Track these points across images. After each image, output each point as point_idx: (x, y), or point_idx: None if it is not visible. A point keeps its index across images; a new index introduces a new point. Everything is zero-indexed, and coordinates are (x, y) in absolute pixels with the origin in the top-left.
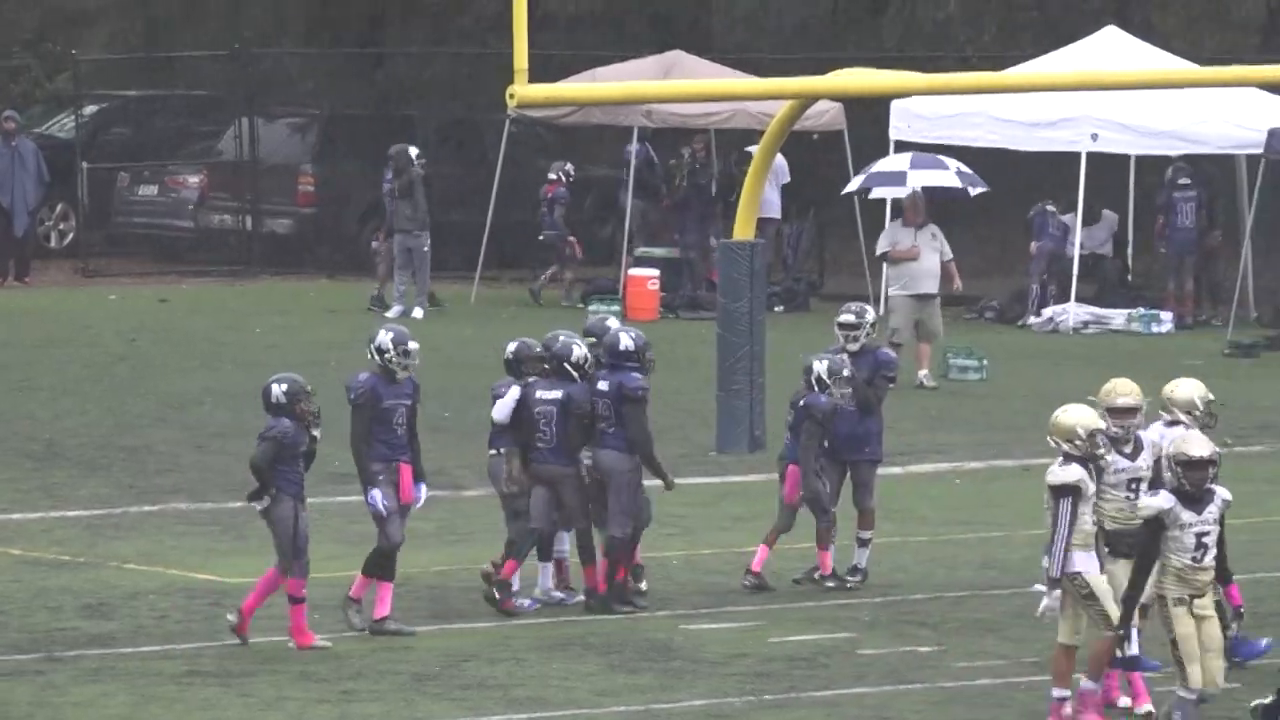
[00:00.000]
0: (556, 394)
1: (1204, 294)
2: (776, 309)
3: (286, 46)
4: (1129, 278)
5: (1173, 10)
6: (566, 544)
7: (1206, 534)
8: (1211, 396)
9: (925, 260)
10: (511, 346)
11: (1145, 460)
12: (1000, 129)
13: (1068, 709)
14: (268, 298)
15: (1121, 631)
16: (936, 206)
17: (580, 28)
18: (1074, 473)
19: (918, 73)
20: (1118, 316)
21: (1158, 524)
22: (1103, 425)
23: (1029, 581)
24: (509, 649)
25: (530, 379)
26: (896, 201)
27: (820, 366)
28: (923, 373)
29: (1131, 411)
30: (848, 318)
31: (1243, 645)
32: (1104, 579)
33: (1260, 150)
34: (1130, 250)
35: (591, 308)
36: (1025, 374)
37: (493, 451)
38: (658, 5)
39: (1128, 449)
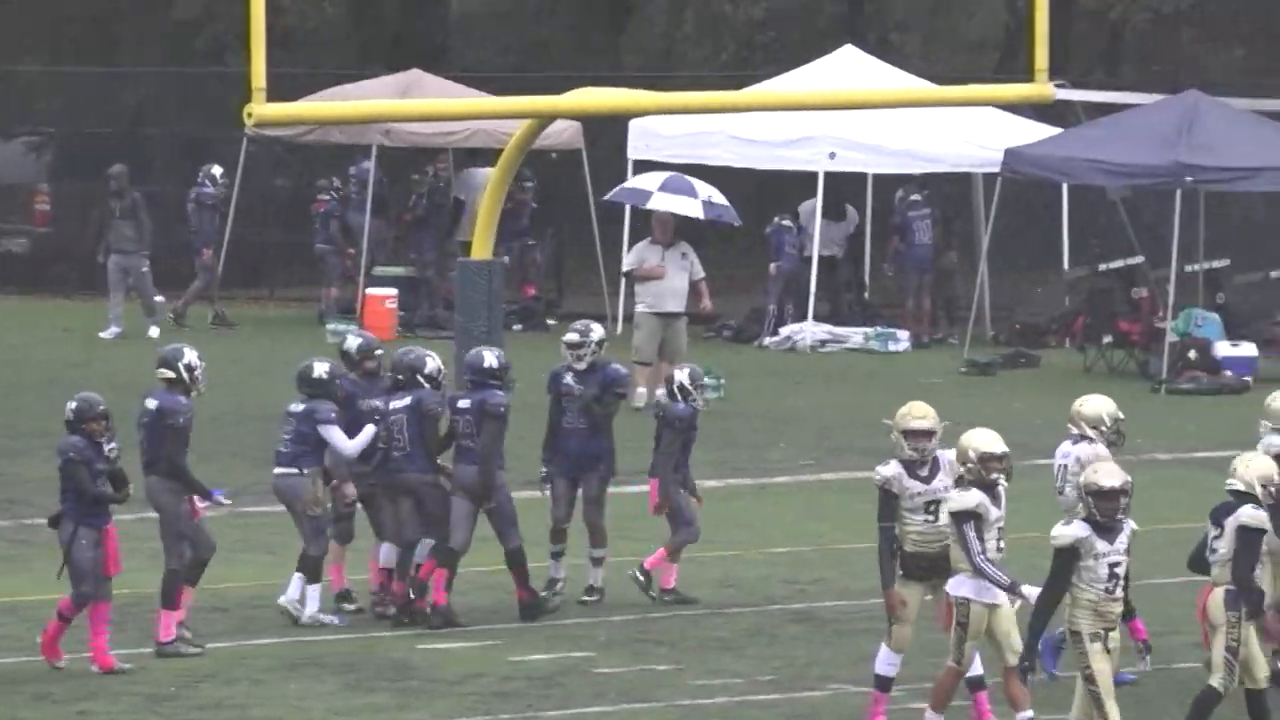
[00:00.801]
0: (405, 400)
1: (940, 312)
2: (514, 328)
3: (24, 65)
4: (865, 295)
5: (910, 30)
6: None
7: (1118, 564)
8: (1121, 415)
9: (673, 279)
10: (323, 367)
11: (942, 482)
12: (739, 148)
13: None
14: (4, 317)
15: (963, 667)
16: (684, 225)
17: (320, 46)
18: (975, 497)
19: (655, 92)
20: (855, 335)
21: (1071, 554)
22: (1003, 450)
23: (767, 600)
24: (246, 669)
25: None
26: (635, 221)
27: (681, 375)
28: (662, 392)
29: (927, 434)
30: (572, 336)
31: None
32: (986, 616)
33: (997, 169)
34: (868, 268)
35: (330, 326)
36: (763, 393)
37: (293, 471)
38: (397, 24)
39: (924, 471)
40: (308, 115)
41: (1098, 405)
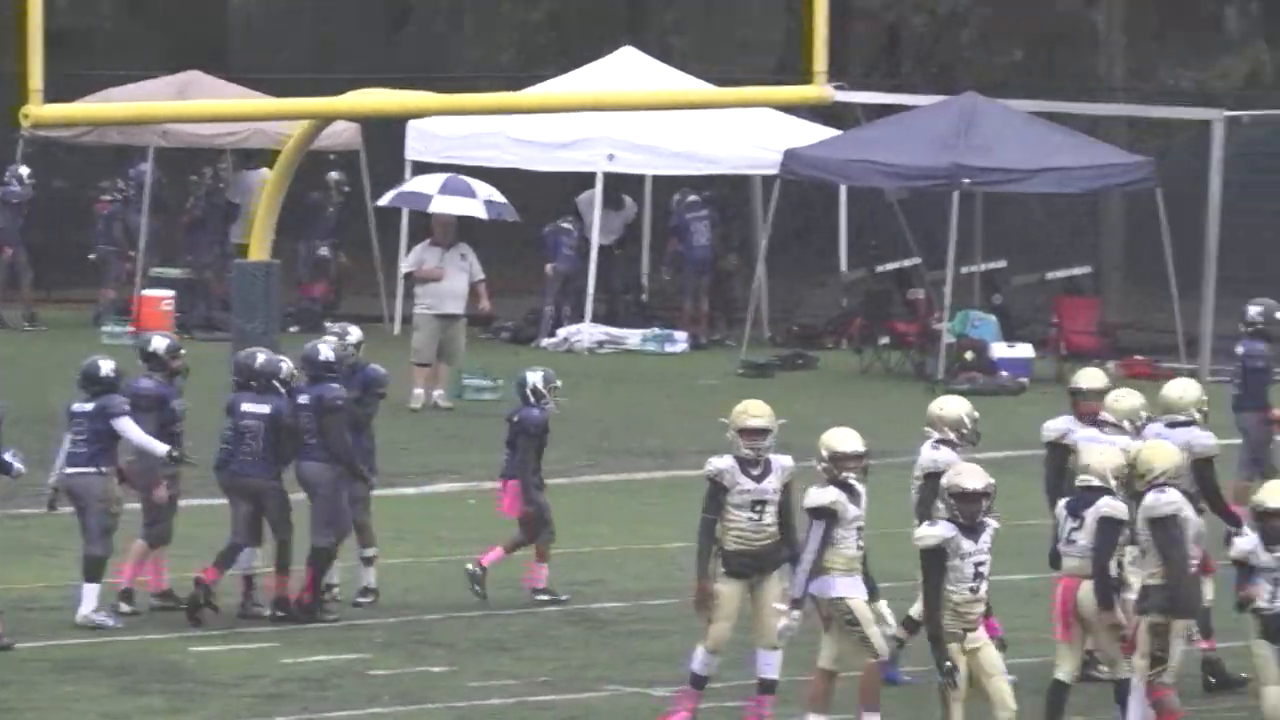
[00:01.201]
0: (265, 408)
1: (718, 314)
2: (291, 329)
3: None
4: (643, 297)
5: (690, 32)
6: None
7: (983, 564)
8: (977, 414)
9: (452, 281)
10: (109, 365)
11: (772, 483)
12: (517, 149)
13: None
14: None
15: (884, 659)
16: (463, 226)
17: (99, 48)
18: (830, 494)
19: (434, 93)
20: (632, 336)
21: (940, 554)
22: (856, 449)
23: (542, 602)
24: (21, 671)
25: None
26: (413, 223)
27: (534, 378)
28: (438, 393)
29: (762, 433)
30: (330, 339)
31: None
32: (867, 605)
33: (776, 171)
34: (645, 269)
35: (106, 328)
36: None
37: (90, 470)
38: (175, 25)
39: (756, 470)
40: (84, 116)
41: (958, 408)
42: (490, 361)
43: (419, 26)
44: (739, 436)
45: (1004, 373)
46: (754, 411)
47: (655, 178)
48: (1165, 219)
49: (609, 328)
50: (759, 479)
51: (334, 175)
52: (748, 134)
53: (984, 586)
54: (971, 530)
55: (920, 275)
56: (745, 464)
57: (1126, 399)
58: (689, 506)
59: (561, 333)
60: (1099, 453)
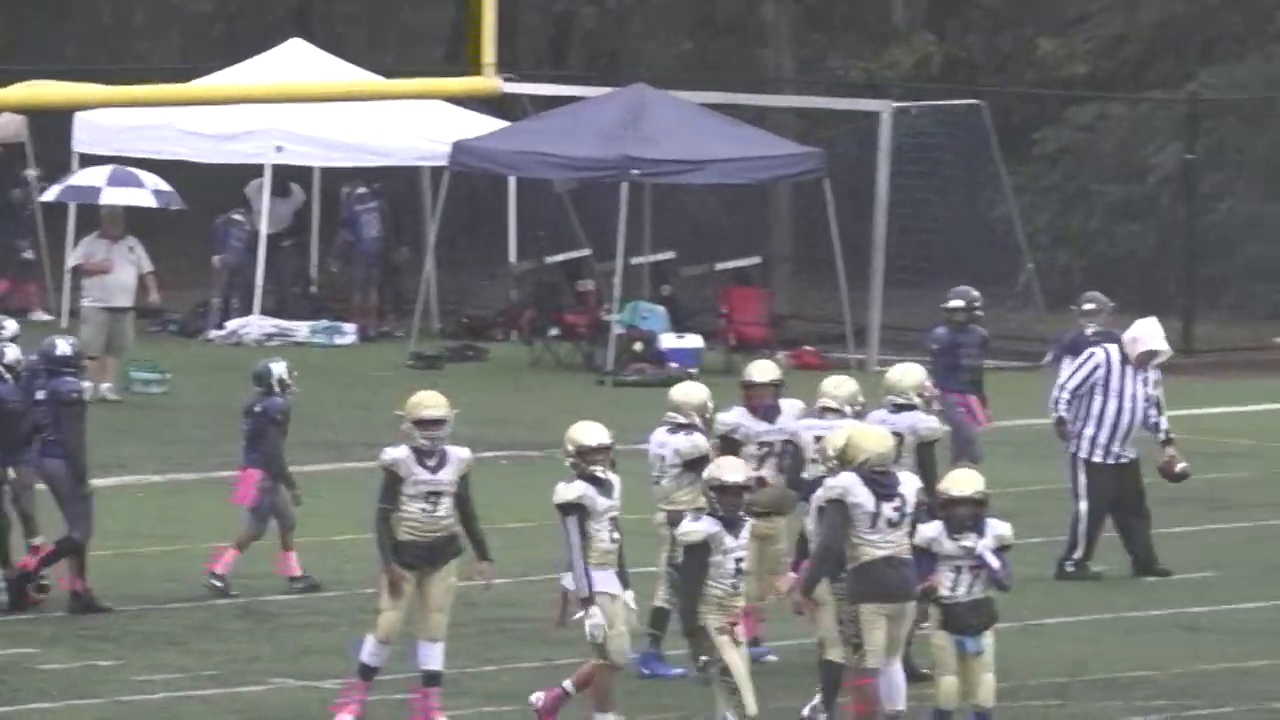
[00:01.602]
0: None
1: (388, 306)
2: None
3: None
4: (312, 289)
5: (357, 23)
6: None
7: (743, 559)
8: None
9: (120, 274)
10: None
11: (447, 474)
12: (186, 141)
13: None
14: None
15: (619, 664)
16: (130, 217)
17: None
18: (576, 489)
19: (102, 85)
20: (301, 328)
21: (704, 549)
22: (602, 441)
23: (211, 595)
24: None
25: None
26: (80, 217)
27: (279, 369)
28: (106, 386)
29: (438, 424)
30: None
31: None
32: (616, 604)
33: (445, 163)
34: (315, 261)
35: None
36: (209, 387)
37: None
38: None
39: (431, 461)
40: None
41: (701, 393)
42: (158, 354)
43: (87, 18)
44: (415, 428)
45: (673, 364)
46: (429, 403)
47: (324, 170)
48: (833, 210)
49: (278, 320)
50: (434, 470)
51: (31, 172)
52: (417, 126)
53: (743, 581)
54: (732, 525)
55: (589, 266)
56: (421, 455)
57: (845, 385)
58: (359, 499)
59: (230, 325)
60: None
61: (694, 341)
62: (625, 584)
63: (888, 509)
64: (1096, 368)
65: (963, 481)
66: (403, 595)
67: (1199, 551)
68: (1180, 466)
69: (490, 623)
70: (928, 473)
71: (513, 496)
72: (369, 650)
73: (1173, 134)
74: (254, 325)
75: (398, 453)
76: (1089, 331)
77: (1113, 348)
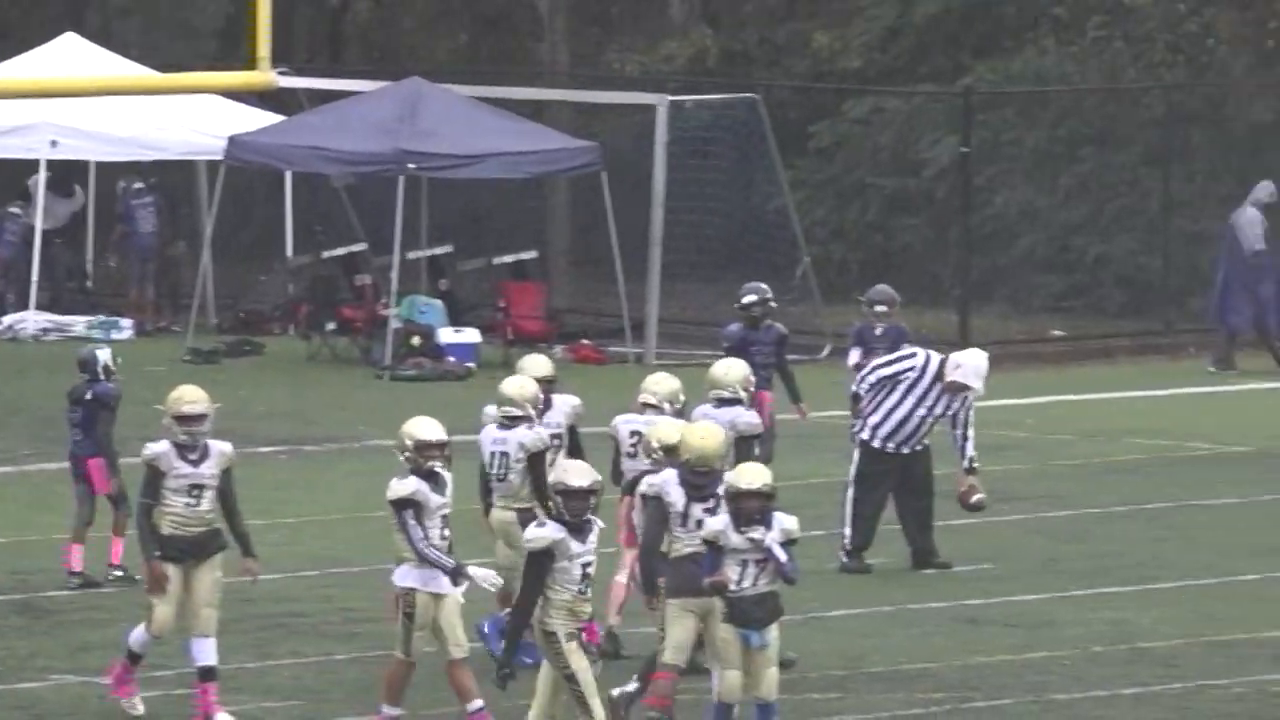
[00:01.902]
0: None
1: (165, 301)
2: None
3: None
4: (88, 284)
5: (131, 17)
6: None
7: (590, 564)
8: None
9: None
10: None
11: (209, 468)
12: None
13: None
14: None
15: (411, 659)
16: None
17: None
18: (410, 485)
19: None
20: (78, 323)
21: (548, 556)
22: (439, 437)
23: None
24: None
25: None
26: None
27: (104, 355)
28: None
29: (199, 419)
30: None
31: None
32: (433, 604)
33: (221, 157)
34: (90, 256)
35: None
36: None
37: None
38: None
39: (193, 455)
40: None
41: (671, 383)
42: None
43: None
44: (175, 423)
45: (451, 358)
46: (189, 398)
47: (100, 164)
48: (611, 204)
49: (53, 315)
50: (196, 464)
51: None
52: (192, 120)
53: (590, 587)
54: (579, 530)
55: (367, 261)
56: (182, 449)
57: (665, 382)
58: (133, 495)
59: (5, 320)
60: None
61: (472, 336)
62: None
63: (698, 509)
64: (911, 369)
65: (750, 475)
66: (165, 590)
67: (978, 544)
68: (976, 498)
69: (269, 618)
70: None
71: (291, 491)
72: (136, 637)
73: (948, 127)
74: (30, 320)
75: (159, 447)
76: (878, 331)
77: (935, 357)
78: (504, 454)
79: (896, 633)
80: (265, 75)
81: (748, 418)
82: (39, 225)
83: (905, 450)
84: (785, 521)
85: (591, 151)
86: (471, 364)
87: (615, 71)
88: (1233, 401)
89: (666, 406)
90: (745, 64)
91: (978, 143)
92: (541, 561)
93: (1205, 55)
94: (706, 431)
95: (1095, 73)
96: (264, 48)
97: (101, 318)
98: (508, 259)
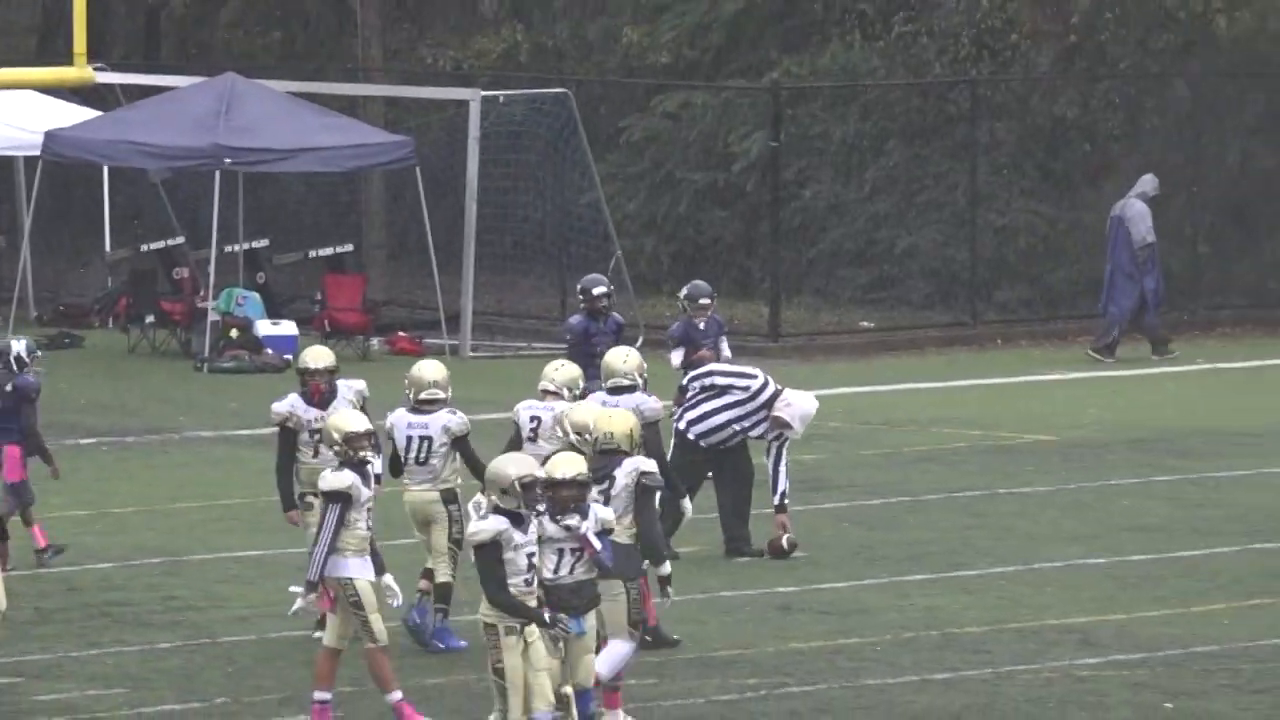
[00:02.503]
0: None
1: None
2: None
3: None
4: None
5: None
6: None
7: (534, 554)
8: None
9: None
10: None
11: None
12: None
13: (329, 714)
14: None
15: (383, 644)
16: None
17: None
18: (346, 478)
19: None
20: None
21: (495, 548)
22: (366, 427)
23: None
24: None
25: None
26: None
27: (19, 346)
28: None
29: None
30: None
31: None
32: (373, 589)
33: (38, 152)
34: None
35: None
36: None
37: None
38: None
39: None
40: None
41: (574, 371)
42: None
43: None
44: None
45: (269, 350)
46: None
47: None
48: (425, 198)
49: None
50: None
51: None
52: (9, 115)
53: (536, 577)
54: (520, 520)
55: (185, 254)
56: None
57: (564, 370)
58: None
59: None
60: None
61: (289, 328)
62: (381, 569)
63: (593, 492)
64: (746, 388)
65: (565, 464)
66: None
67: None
68: (786, 538)
69: (93, 607)
70: (652, 452)
71: (114, 483)
72: None
73: (756, 122)
74: None
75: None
76: (701, 325)
77: (772, 388)
78: (424, 438)
79: (711, 620)
80: (82, 71)
81: (650, 403)
82: None
83: (720, 445)
84: (601, 512)
85: (405, 146)
86: (289, 356)
87: (428, 66)
88: (1039, 391)
89: (565, 393)
90: (556, 59)
91: (786, 137)
92: (490, 553)
93: (1009, 50)
94: (617, 415)
95: (901, 67)
96: (81, 43)
97: None
98: (324, 252)
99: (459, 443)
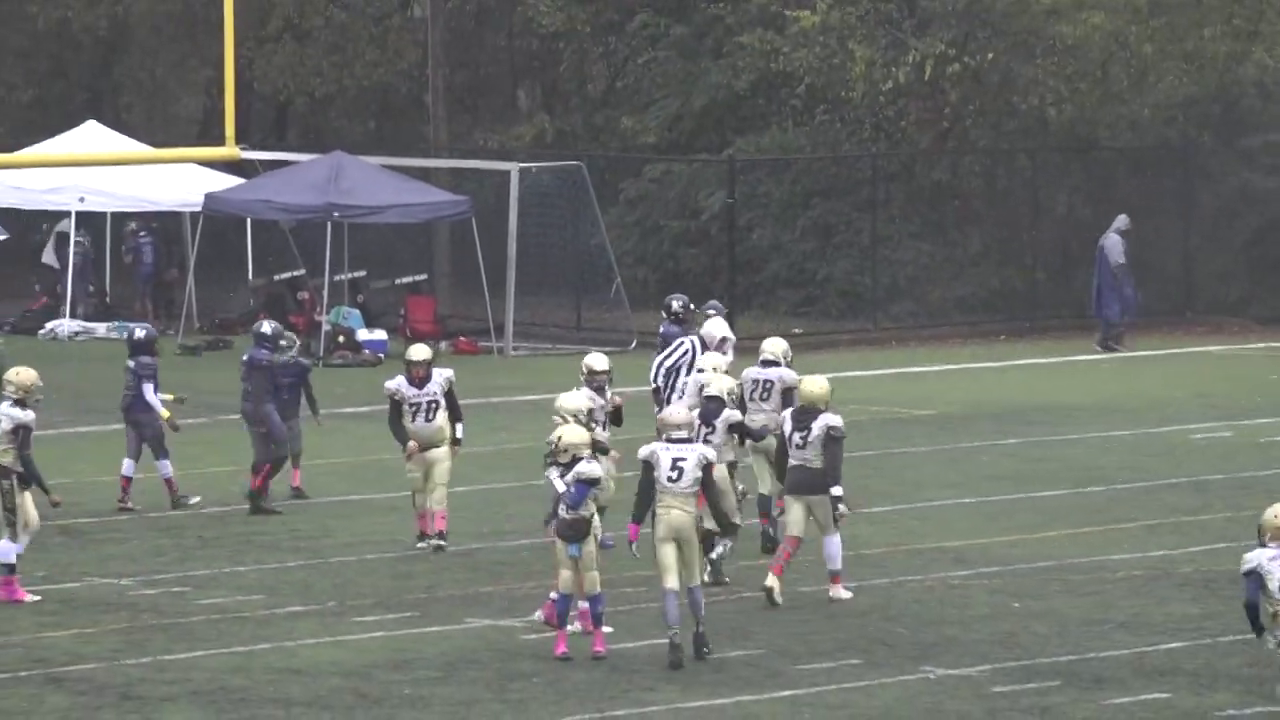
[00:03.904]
0: None
1: (163, 311)
2: None
3: None
4: (108, 300)
5: (136, 109)
6: None
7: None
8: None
9: None
10: None
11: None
12: (11, 194)
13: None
14: None
15: None
16: None
17: None
18: (596, 470)
19: None
20: (100, 327)
21: (649, 468)
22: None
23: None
24: None
25: None
26: None
27: (269, 328)
28: None
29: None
30: None
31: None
32: None
33: (200, 208)
34: (108, 282)
35: None
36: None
37: None
38: None
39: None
40: None
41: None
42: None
43: None
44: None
45: (366, 351)
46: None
47: (114, 214)
48: (479, 240)
49: (85, 322)
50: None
51: None
52: (180, 183)
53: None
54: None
55: (305, 282)
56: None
57: (777, 341)
58: None
59: (48, 325)
60: (707, 378)
61: (381, 335)
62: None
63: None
64: (685, 351)
65: (570, 435)
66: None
67: None
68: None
69: (240, 535)
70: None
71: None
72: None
73: (718, 184)
74: (65, 325)
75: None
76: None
77: (698, 342)
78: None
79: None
80: (232, 150)
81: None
82: (72, 257)
83: None
84: (584, 468)
85: (464, 203)
86: (382, 354)
87: (480, 146)
88: (922, 378)
89: (782, 360)
90: (573, 140)
91: (739, 195)
92: (648, 473)
93: (899, 132)
94: (817, 380)
95: (822, 145)
96: (230, 129)
97: (117, 323)
98: (406, 280)
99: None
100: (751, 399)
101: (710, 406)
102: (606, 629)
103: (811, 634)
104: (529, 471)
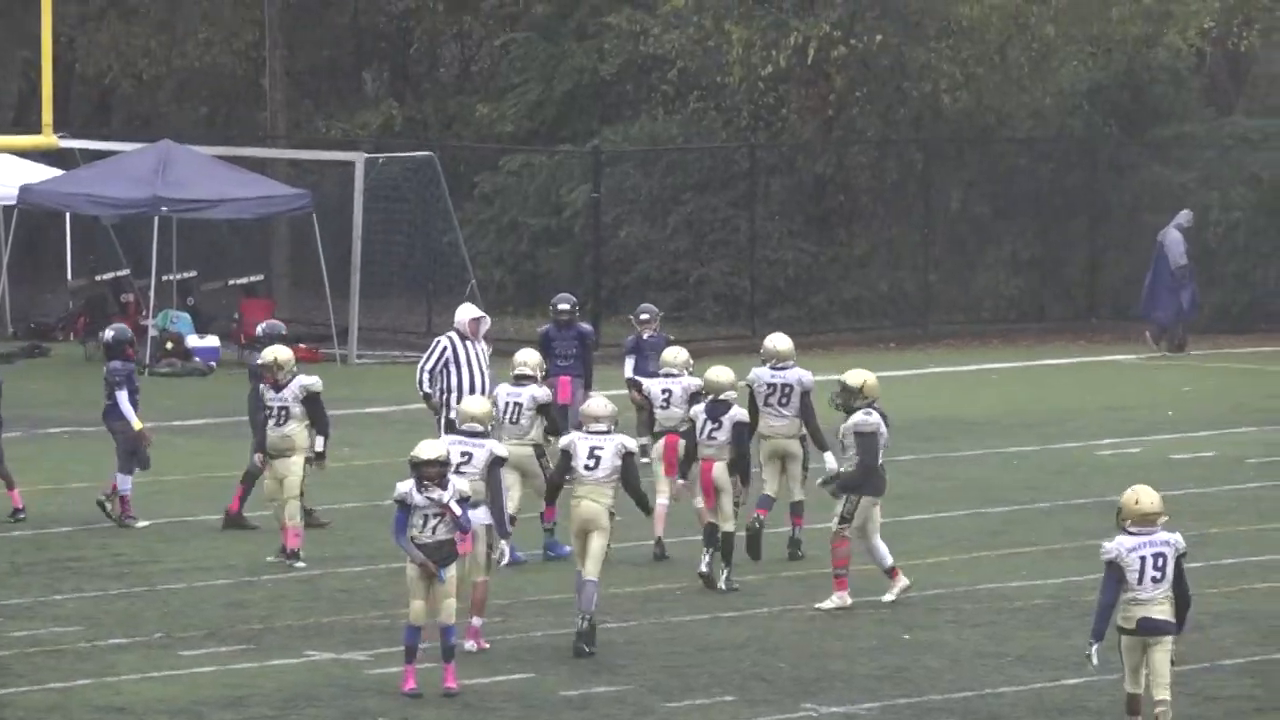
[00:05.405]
0: None
1: None
2: None
3: None
4: None
5: None
6: None
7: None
8: None
9: None
10: None
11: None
12: None
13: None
14: None
15: None
16: None
17: None
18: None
19: None
20: None
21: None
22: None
23: None
24: None
25: None
26: None
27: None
28: None
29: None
30: None
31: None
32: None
33: (14, 202)
34: None
35: None
36: None
37: None
38: None
39: None
40: None
41: (535, 356)
42: None
43: None
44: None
45: (197, 359)
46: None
47: None
48: (320, 237)
49: None
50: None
51: None
52: None
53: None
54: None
55: (130, 282)
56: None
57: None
58: None
59: None
60: (718, 373)
61: (213, 341)
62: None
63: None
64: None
65: (428, 448)
66: None
67: None
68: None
69: (57, 562)
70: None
71: (72, 464)
72: None
73: (582, 178)
74: None
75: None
76: (647, 336)
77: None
78: (518, 404)
79: (548, 569)
80: (49, 138)
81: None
82: None
83: None
84: (459, 484)
85: (304, 197)
86: (214, 363)
87: (322, 135)
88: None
89: (684, 372)
90: (424, 129)
91: (605, 190)
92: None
93: (780, 121)
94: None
95: (696, 135)
96: (48, 116)
97: None
98: (240, 281)
99: (542, 408)
100: (768, 404)
101: (717, 408)
102: (469, 645)
103: (685, 667)
104: (376, 490)
